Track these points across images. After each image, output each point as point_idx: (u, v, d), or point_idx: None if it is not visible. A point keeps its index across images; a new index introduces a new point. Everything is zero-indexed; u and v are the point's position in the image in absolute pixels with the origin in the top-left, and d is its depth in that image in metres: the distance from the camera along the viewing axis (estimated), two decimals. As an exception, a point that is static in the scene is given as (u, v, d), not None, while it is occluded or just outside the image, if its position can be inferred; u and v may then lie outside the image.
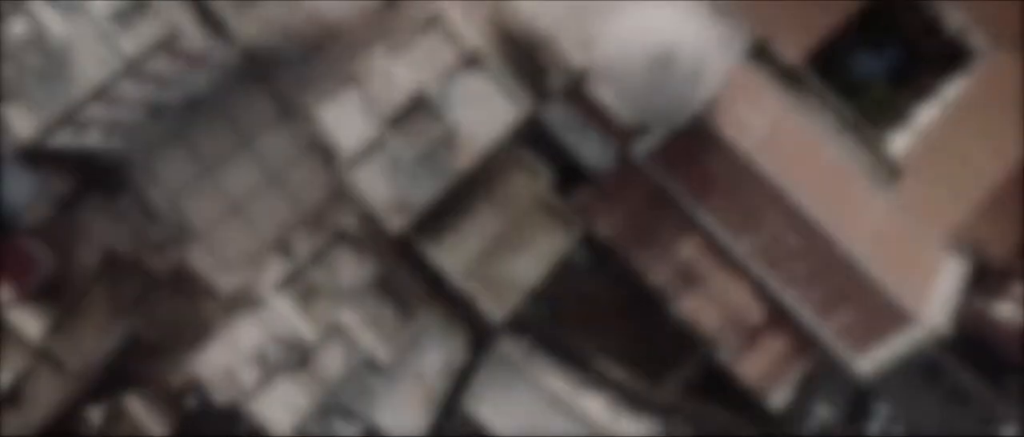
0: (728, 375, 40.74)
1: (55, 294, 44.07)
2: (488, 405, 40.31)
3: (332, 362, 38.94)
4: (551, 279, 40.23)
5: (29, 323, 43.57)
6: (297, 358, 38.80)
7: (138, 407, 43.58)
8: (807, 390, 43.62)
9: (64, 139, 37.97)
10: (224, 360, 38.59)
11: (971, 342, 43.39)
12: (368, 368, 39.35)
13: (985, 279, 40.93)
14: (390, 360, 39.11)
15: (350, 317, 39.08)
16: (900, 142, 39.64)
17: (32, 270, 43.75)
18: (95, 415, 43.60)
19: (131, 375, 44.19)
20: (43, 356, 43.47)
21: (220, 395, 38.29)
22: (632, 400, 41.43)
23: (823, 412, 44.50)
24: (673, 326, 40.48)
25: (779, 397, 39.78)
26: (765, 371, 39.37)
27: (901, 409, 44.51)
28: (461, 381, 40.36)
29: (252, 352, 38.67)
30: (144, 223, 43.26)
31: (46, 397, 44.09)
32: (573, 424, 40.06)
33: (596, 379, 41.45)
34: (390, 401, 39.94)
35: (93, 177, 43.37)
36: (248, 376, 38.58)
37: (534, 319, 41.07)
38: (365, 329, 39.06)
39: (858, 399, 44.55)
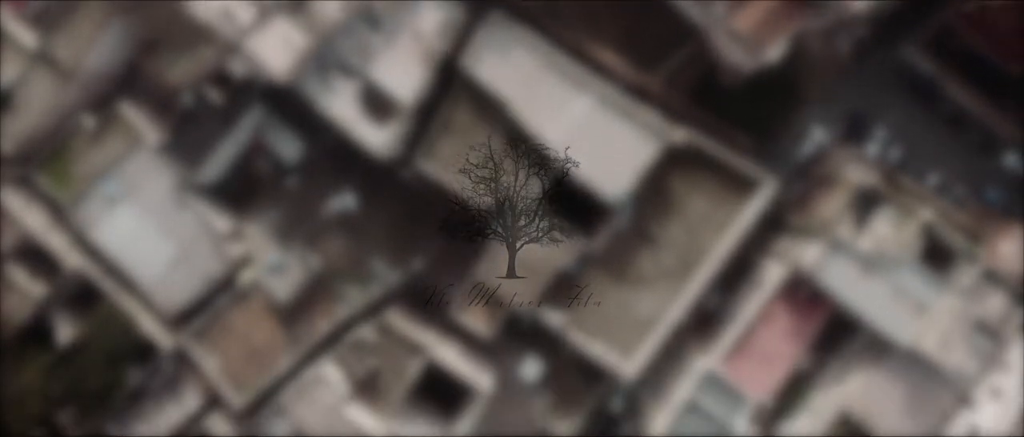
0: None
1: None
2: (485, 65, 40.12)
3: (329, 7, 38.83)
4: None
5: (25, 35, 43.51)
6: (294, -1, 38.79)
7: (131, 112, 43.29)
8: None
9: None
10: (220, -2, 38.50)
11: (970, 59, 43.31)
12: (366, 22, 39.23)
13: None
14: (386, 12, 38.98)
15: (346, -31, 39.17)
16: None
17: (28, -7, 43.91)
18: (88, 121, 43.29)
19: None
20: (39, 58, 43.31)
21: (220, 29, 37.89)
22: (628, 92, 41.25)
23: (819, 135, 44.30)
24: (664, 18, 40.49)
25: (774, 53, 39.67)
26: (760, 23, 39.33)
27: (899, 131, 44.21)
28: (459, 41, 40.20)
29: (248, -11, 38.62)
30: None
31: (40, 102, 43.80)
32: (567, 84, 39.81)
33: (591, 66, 41.35)
34: (388, 58, 39.71)
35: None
36: (245, 13, 38.40)
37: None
38: (361, -18, 39.13)
39: (855, 121, 44.36)
